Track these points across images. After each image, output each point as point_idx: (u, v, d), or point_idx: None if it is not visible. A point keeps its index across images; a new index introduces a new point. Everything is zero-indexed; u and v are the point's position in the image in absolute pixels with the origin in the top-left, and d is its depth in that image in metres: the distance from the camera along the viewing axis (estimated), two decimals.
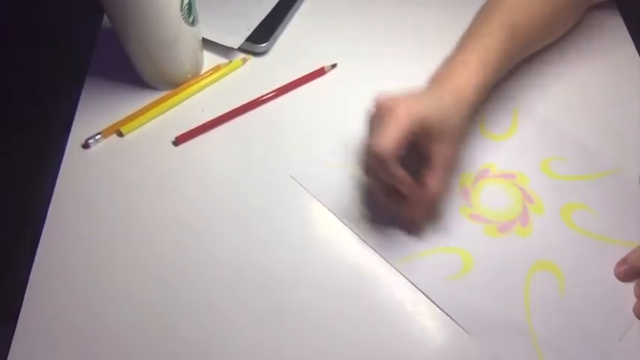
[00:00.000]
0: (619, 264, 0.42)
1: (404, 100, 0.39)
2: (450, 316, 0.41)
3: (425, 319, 0.41)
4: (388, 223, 0.45)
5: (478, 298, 0.41)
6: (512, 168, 0.48)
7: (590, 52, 0.56)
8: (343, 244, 0.45)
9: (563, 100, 0.53)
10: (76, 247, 0.44)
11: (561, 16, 0.51)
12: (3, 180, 0.54)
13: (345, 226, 0.45)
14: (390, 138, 0.38)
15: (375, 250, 0.44)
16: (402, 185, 0.40)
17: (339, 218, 0.46)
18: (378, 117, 0.40)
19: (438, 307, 0.41)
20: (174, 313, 0.41)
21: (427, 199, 0.41)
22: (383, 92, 0.41)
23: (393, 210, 0.44)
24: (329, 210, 0.46)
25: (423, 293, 0.42)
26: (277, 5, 0.60)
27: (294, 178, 0.48)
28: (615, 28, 0.58)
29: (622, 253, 0.43)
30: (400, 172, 0.39)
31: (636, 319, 0.40)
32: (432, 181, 0.40)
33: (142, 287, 0.42)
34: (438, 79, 0.43)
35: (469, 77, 0.42)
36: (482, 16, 0.47)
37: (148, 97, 0.53)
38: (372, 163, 0.40)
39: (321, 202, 0.46)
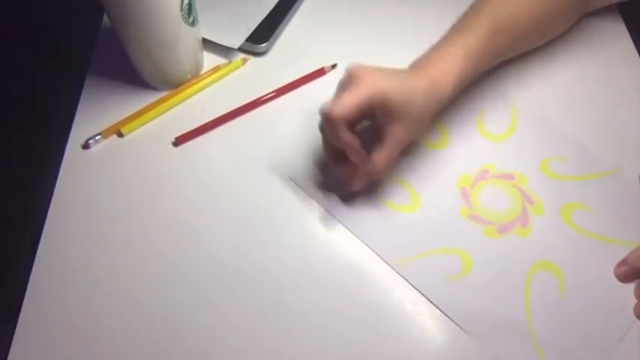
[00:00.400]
0: (619, 265, 0.42)
1: (373, 71, 0.40)
2: (450, 318, 0.41)
3: (425, 320, 0.41)
4: (388, 225, 0.45)
5: (478, 298, 0.41)
6: (511, 168, 0.48)
7: (590, 51, 0.56)
8: (342, 244, 0.45)
9: (562, 100, 0.53)
10: (76, 247, 0.44)
11: (552, 20, 0.51)
12: (3, 180, 0.54)
13: (344, 227, 0.45)
14: (346, 103, 0.39)
15: (375, 252, 0.44)
16: (349, 150, 0.41)
17: (338, 219, 0.46)
18: (344, 80, 0.41)
19: (438, 308, 0.41)
20: (174, 312, 0.41)
21: (368, 173, 0.42)
22: (358, 62, 0.41)
23: (336, 175, 0.45)
24: (328, 211, 0.46)
25: (423, 295, 0.42)
26: (277, 5, 0.60)
27: (292, 180, 0.48)
28: (615, 28, 0.58)
29: (622, 253, 0.43)
30: (347, 137, 0.40)
31: (636, 320, 0.40)
32: (378, 157, 0.41)
33: (141, 287, 0.42)
34: (416, 65, 0.44)
35: (446, 69, 0.42)
36: (469, 12, 0.47)
37: (148, 98, 0.53)
38: (324, 123, 0.41)
39: (320, 203, 0.46)
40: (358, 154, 0.41)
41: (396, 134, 0.41)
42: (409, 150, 0.48)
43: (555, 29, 0.54)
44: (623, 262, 0.42)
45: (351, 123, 0.41)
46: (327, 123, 0.40)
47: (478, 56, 0.44)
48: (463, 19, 0.47)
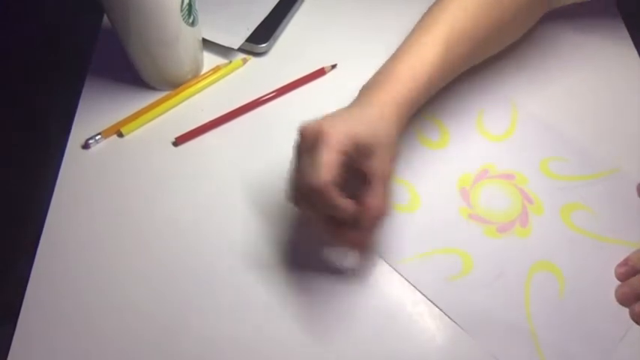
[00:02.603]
0: (620, 265, 0.42)
1: (329, 121, 0.37)
2: (450, 318, 0.41)
3: (425, 319, 0.41)
4: (388, 225, 0.45)
5: (478, 298, 0.41)
6: (511, 168, 0.48)
7: (590, 51, 0.56)
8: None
9: (562, 100, 0.53)
10: (76, 247, 0.44)
11: (511, 24, 0.48)
12: (3, 180, 0.54)
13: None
14: (325, 167, 0.35)
15: (375, 252, 0.44)
16: (344, 214, 0.37)
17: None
18: (305, 145, 0.37)
19: (439, 308, 0.41)
20: (174, 312, 0.41)
21: (371, 220, 0.38)
22: (304, 121, 0.38)
23: (337, 243, 0.42)
24: None
25: (424, 295, 0.42)
26: (277, 5, 0.60)
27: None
28: (615, 28, 0.58)
29: (622, 253, 0.43)
30: (342, 202, 0.36)
31: None
32: (374, 200, 0.37)
33: (141, 287, 0.42)
34: (367, 91, 0.41)
35: (398, 91, 0.40)
36: (422, 23, 0.45)
37: (148, 98, 0.53)
38: (308, 197, 0.37)
39: None
40: (354, 213, 0.37)
41: (378, 168, 0.37)
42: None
43: (516, 33, 0.52)
44: (624, 263, 0.42)
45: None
46: (317, 195, 0.35)
47: (429, 74, 0.42)
48: (413, 35, 0.44)
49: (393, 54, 0.44)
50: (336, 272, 0.43)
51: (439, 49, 0.42)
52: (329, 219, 0.38)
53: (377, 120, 0.38)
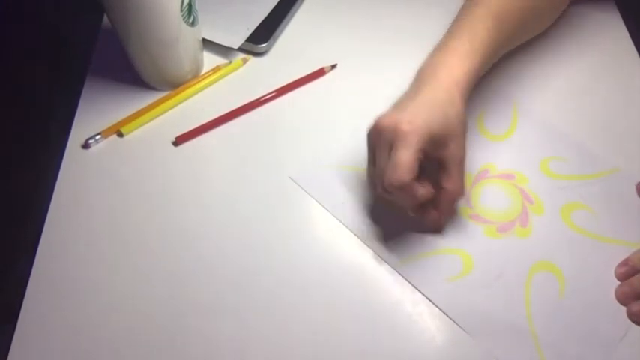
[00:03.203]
0: (620, 265, 0.42)
1: (405, 116, 0.38)
2: (450, 318, 0.41)
3: (425, 319, 0.41)
4: (388, 225, 0.45)
5: (478, 298, 0.41)
6: (511, 168, 0.48)
7: (590, 52, 0.56)
8: (343, 244, 0.45)
9: (562, 100, 0.53)
10: (76, 247, 0.44)
11: (542, 9, 0.51)
12: (3, 180, 0.54)
13: (344, 227, 0.45)
14: (406, 166, 0.37)
15: (375, 252, 0.44)
16: (425, 201, 0.40)
17: (338, 220, 0.46)
18: (382, 140, 0.39)
19: (439, 308, 0.41)
20: (175, 312, 0.41)
21: (450, 203, 0.42)
22: (378, 116, 0.40)
23: (420, 223, 0.44)
24: (328, 211, 0.46)
25: (424, 294, 0.42)
26: (277, 5, 0.60)
27: (293, 180, 0.48)
28: (615, 28, 0.58)
29: (622, 253, 0.43)
30: (422, 193, 0.39)
31: None
32: (452, 184, 0.40)
33: (141, 287, 0.42)
34: (426, 73, 0.43)
35: (458, 67, 0.42)
36: (468, 5, 0.47)
37: (148, 98, 0.53)
38: (393, 194, 0.39)
39: (320, 203, 0.46)
40: (433, 196, 0.40)
41: (453, 155, 0.40)
42: None
43: (551, 16, 0.54)
44: (624, 263, 0.42)
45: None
46: (401, 191, 0.38)
47: (486, 49, 0.44)
48: (464, 13, 0.47)
49: (446, 33, 0.45)
50: (337, 272, 0.43)
51: (492, 25, 0.44)
52: (413, 206, 0.41)
53: (448, 107, 0.40)
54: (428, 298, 0.41)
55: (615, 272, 0.42)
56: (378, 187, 0.41)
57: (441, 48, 0.44)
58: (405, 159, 0.37)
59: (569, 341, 0.39)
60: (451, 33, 0.45)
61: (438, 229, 0.44)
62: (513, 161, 0.49)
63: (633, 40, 0.57)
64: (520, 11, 0.47)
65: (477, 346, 0.39)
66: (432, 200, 0.41)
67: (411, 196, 0.39)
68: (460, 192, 0.41)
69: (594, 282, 0.42)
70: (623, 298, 0.41)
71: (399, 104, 0.41)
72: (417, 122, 0.38)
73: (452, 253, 0.44)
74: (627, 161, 0.48)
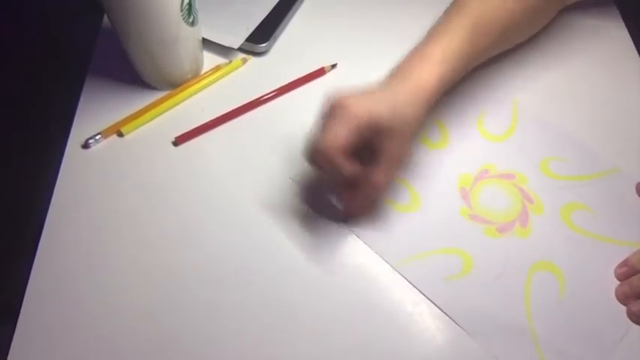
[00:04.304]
0: (620, 265, 0.42)
1: (355, 97, 0.40)
2: (450, 317, 0.41)
3: (425, 319, 0.41)
4: (388, 225, 0.45)
5: (479, 298, 0.41)
6: (511, 168, 0.48)
7: (590, 52, 0.56)
8: (343, 244, 0.45)
9: (562, 100, 0.53)
10: (76, 247, 0.44)
11: (531, 16, 0.51)
12: (3, 180, 0.54)
13: (344, 227, 0.45)
14: (339, 135, 0.38)
15: (375, 252, 0.44)
16: (345, 177, 0.40)
17: (338, 220, 0.45)
18: (327, 113, 0.40)
19: (439, 308, 0.41)
20: (175, 313, 0.41)
21: (368, 192, 0.42)
22: (337, 90, 0.41)
23: (335, 200, 0.45)
24: (328, 211, 0.46)
25: (424, 295, 0.42)
26: (277, 5, 0.60)
27: (293, 180, 0.48)
28: (615, 28, 0.58)
29: (621, 253, 0.43)
30: (344, 166, 0.39)
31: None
32: (375, 175, 0.40)
33: (141, 287, 0.42)
34: (397, 73, 0.43)
35: (428, 73, 0.42)
36: (450, 11, 0.47)
37: (148, 97, 0.53)
38: (316, 158, 0.40)
39: (320, 203, 0.46)
40: (358, 177, 0.41)
41: (390, 150, 0.40)
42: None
43: (535, 25, 0.54)
44: (624, 264, 0.42)
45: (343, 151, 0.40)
46: (325, 158, 0.39)
47: (458, 59, 0.44)
48: (443, 20, 0.46)
49: (423, 39, 0.45)
50: (337, 272, 0.43)
51: (468, 35, 0.44)
52: (337, 181, 0.43)
53: (402, 104, 0.40)
54: (428, 298, 0.41)
55: (615, 273, 0.42)
56: (309, 155, 0.41)
57: (415, 52, 0.44)
58: (339, 128, 0.39)
59: (569, 341, 0.39)
60: (427, 38, 0.45)
61: (348, 212, 0.45)
62: (513, 161, 0.49)
63: (633, 40, 0.57)
64: (501, 22, 0.47)
65: (476, 346, 0.39)
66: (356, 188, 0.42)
67: (332, 165, 0.39)
68: (379, 185, 0.41)
69: (594, 282, 0.42)
70: (623, 298, 0.41)
71: (357, 90, 0.41)
72: (362, 103, 0.39)
73: (452, 253, 0.44)
74: (627, 161, 0.48)
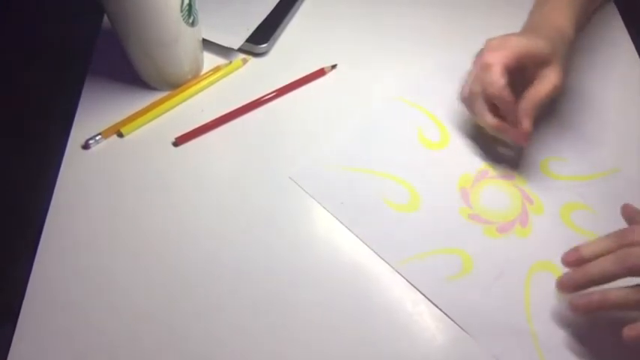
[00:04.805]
0: (570, 252, 0.40)
1: (513, 35, 0.45)
2: (450, 318, 0.41)
3: (425, 319, 0.41)
4: (388, 225, 0.45)
5: (479, 298, 0.41)
6: (511, 168, 0.48)
7: (589, 51, 0.56)
8: (343, 244, 0.45)
9: (561, 100, 0.53)
10: (76, 247, 0.44)
11: None
12: (3, 180, 0.54)
13: (344, 227, 0.45)
14: (502, 54, 0.43)
15: (375, 253, 0.44)
16: (508, 105, 0.44)
17: (338, 220, 0.46)
18: (487, 48, 0.44)
19: (439, 308, 0.41)
20: (174, 313, 0.41)
21: (544, 92, 0.44)
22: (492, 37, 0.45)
23: (499, 134, 0.47)
24: (328, 211, 0.46)
25: (424, 295, 0.42)
26: (277, 6, 0.60)
27: (293, 180, 0.48)
28: (615, 28, 0.58)
29: None
30: (504, 82, 0.43)
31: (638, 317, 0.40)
32: (554, 75, 0.44)
33: (141, 287, 0.42)
34: (536, 23, 0.48)
35: (565, 17, 0.47)
36: None
37: (148, 98, 0.53)
38: (480, 78, 0.44)
39: (320, 203, 0.46)
40: (514, 106, 0.44)
41: (548, 75, 0.44)
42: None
43: None
44: (575, 249, 0.40)
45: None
46: (487, 69, 0.43)
47: (579, 4, 0.49)
48: None
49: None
50: (337, 272, 0.43)
51: None
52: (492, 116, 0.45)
53: (555, 40, 0.45)
54: (428, 299, 0.41)
55: (562, 259, 0.40)
56: (470, 96, 0.46)
57: (545, 4, 0.49)
58: (502, 52, 0.43)
59: (568, 341, 0.39)
60: None
61: (519, 140, 0.46)
62: (513, 161, 0.49)
63: (633, 40, 0.57)
64: None
65: (476, 345, 0.39)
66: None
67: (494, 78, 0.43)
68: (557, 81, 0.44)
69: None
70: (560, 287, 0.39)
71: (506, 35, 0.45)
72: (521, 39, 0.44)
73: (452, 253, 0.44)
74: (627, 161, 0.48)
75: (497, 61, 0.43)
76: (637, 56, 0.56)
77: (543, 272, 0.42)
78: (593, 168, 0.48)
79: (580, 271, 0.38)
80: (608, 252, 0.38)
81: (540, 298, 0.41)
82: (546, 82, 0.44)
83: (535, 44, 0.44)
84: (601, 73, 0.55)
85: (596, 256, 0.38)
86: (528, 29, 0.48)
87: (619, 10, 0.59)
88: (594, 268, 0.37)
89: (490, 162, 0.49)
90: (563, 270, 0.42)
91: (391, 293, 0.42)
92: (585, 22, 0.52)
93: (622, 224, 0.45)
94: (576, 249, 0.40)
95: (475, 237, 0.44)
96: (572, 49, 0.47)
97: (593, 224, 0.45)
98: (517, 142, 0.47)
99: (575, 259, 0.39)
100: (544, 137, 0.50)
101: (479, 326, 0.40)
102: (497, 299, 0.41)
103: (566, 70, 0.46)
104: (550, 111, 0.52)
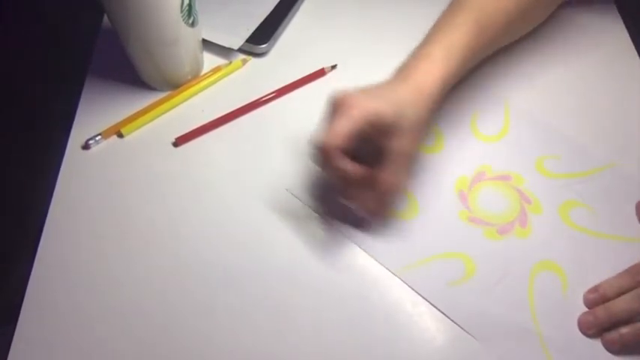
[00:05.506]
0: (590, 291, 0.41)
1: (358, 95, 0.39)
2: (456, 323, 0.40)
3: (425, 320, 0.41)
4: (388, 233, 0.45)
5: (483, 302, 0.41)
6: (507, 169, 0.48)
7: (589, 51, 0.56)
8: (343, 245, 0.45)
9: (554, 97, 0.53)
10: (76, 248, 0.44)
11: (529, 12, 0.50)
12: (3, 180, 0.54)
13: (344, 236, 0.45)
14: (338, 131, 0.38)
15: (376, 260, 0.43)
16: (348, 177, 0.40)
17: (337, 228, 0.45)
18: (330, 111, 0.40)
19: (444, 314, 0.41)
20: (174, 313, 0.41)
21: (380, 194, 0.41)
22: (340, 89, 0.40)
23: (351, 205, 0.44)
24: (326, 219, 0.46)
25: (428, 301, 0.41)
26: (277, 6, 0.60)
27: (290, 192, 0.47)
28: (615, 28, 0.58)
29: (622, 249, 0.43)
30: (347, 165, 0.39)
31: None
32: (383, 174, 0.39)
33: (141, 287, 0.42)
34: (401, 73, 0.43)
35: (432, 72, 0.42)
36: (450, 9, 0.46)
37: (148, 98, 0.53)
38: (319, 156, 0.40)
39: (318, 208, 0.46)
40: (362, 178, 0.40)
41: (397, 147, 0.39)
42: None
43: (532, 22, 0.54)
44: (594, 289, 0.41)
45: (347, 152, 0.40)
46: (324, 155, 0.39)
47: (462, 55, 0.43)
48: (444, 17, 0.46)
49: (425, 37, 0.45)
50: (336, 274, 0.43)
51: (471, 31, 0.44)
52: (345, 181, 0.41)
53: (406, 102, 0.40)
54: (433, 305, 0.41)
55: (584, 298, 0.41)
56: (313, 154, 0.41)
57: (417, 52, 0.44)
58: (340, 126, 0.38)
59: (575, 340, 0.39)
60: (429, 36, 0.45)
61: (372, 214, 0.44)
62: (509, 162, 0.48)
63: (633, 40, 0.57)
64: (504, 15, 0.46)
65: (477, 346, 0.40)
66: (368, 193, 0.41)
67: (333, 164, 0.39)
68: (392, 185, 0.40)
69: (597, 279, 0.42)
70: (586, 328, 0.40)
71: (361, 88, 0.41)
72: (364, 101, 0.39)
73: (454, 257, 0.43)
74: (622, 156, 0.48)
75: (334, 144, 0.38)
76: (637, 56, 0.56)
77: (546, 272, 0.42)
78: (588, 164, 0.48)
79: (603, 311, 0.40)
80: (628, 289, 0.40)
81: (545, 298, 0.41)
82: (381, 182, 0.40)
83: (382, 114, 0.38)
84: (600, 72, 0.55)
85: (617, 295, 0.40)
86: (390, 82, 0.42)
87: (619, 10, 0.59)
88: (617, 307, 0.39)
89: (486, 163, 0.48)
90: (565, 269, 0.42)
91: (391, 294, 0.42)
92: (473, 68, 0.48)
93: (621, 220, 0.45)
94: (595, 289, 0.41)
95: (476, 240, 0.44)
96: (437, 109, 0.42)
97: (592, 222, 0.45)
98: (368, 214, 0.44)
99: (595, 299, 0.41)
100: (538, 136, 0.50)
101: (485, 330, 0.40)
102: (502, 301, 0.41)
103: (423, 134, 0.41)
104: (547, 110, 0.52)
